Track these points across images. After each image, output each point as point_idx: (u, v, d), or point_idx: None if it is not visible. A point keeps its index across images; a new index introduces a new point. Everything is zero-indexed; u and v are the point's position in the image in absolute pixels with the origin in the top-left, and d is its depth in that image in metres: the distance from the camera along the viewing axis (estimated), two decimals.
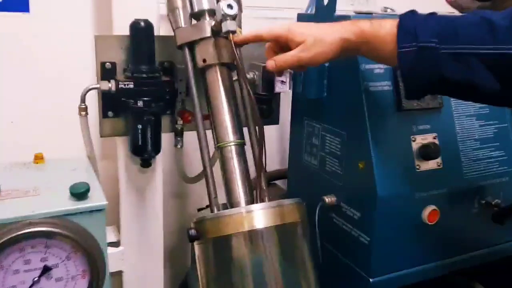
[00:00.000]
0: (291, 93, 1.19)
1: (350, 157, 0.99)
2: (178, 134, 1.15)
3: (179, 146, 1.16)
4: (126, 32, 1.03)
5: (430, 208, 0.96)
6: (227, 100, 0.96)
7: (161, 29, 1.12)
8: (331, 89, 1.02)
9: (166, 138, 1.15)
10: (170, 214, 1.44)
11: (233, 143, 0.94)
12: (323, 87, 1.03)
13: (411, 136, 0.97)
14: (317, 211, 1.02)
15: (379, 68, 0.95)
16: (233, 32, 0.89)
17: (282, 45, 0.85)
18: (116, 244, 1.22)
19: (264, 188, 0.91)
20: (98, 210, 0.84)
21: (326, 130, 1.05)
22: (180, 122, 1.13)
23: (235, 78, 1.02)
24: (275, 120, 1.27)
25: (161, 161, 1.18)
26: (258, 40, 0.88)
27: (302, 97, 1.10)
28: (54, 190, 0.88)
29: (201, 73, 0.98)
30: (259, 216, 0.81)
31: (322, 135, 1.06)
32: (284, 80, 1.15)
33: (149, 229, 1.22)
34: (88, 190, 0.84)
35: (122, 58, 1.05)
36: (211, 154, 0.96)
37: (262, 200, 0.89)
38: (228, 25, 0.89)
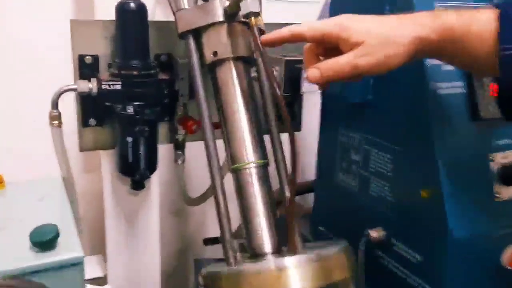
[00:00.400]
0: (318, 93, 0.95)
1: (407, 181, 0.75)
2: (179, 147, 0.92)
3: (179, 162, 0.93)
4: (112, 16, 0.79)
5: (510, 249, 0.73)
6: (245, 106, 0.73)
7: (157, 13, 0.88)
8: (380, 90, 0.78)
9: (163, 147, 0.91)
10: (166, 235, 1.21)
11: (253, 165, 0.70)
12: (369, 88, 0.79)
13: (489, 155, 0.73)
14: (361, 249, 0.79)
15: None
16: (257, 14, 0.65)
17: (329, 46, 0.61)
18: (101, 280, 0.99)
19: (297, 232, 0.67)
20: (72, 264, 0.60)
21: (371, 143, 0.81)
22: (181, 131, 0.90)
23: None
24: (296, 126, 1.04)
25: (157, 181, 0.94)
26: (297, 39, 0.63)
27: (337, 99, 0.86)
28: (12, 234, 0.64)
29: (210, 69, 0.74)
30: (296, 275, 0.58)
31: (365, 150, 0.83)
32: None
33: (142, 262, 0.99)
34: (56, 236, 0.60)
35: (106, 50, 0.83)
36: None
37: (294, 248, 0.65)
38: (249, 5, 0.65)
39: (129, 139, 0.81)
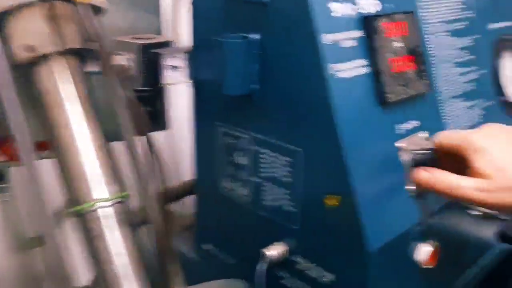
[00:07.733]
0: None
1: (309, 187, 0.61)
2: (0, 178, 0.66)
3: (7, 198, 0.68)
4: None
5: (424, 247, 0.62)
6: (85, 119, 0.51)
7: None
8: (269, 78, 0.62)
9: None
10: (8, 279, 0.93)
11: (103, 204, 0.50)
12: (253, 76, 0.62)
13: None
14: (258, 273, 0.64)
15: (347, 38, 0.57)
16: None
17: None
18: None
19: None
20: None
21: (261, 143, 0.65)
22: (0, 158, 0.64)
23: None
24: (161, 125, 0.85)
25: None
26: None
27: (213, 90, 0.68)
28: None
29: (24, 71, 0.51)
30: None
31: (255, 151, 0.66)
32: (177, 65, 0.72)
33: None
34: None
35: None
36: None
37: None
38: None
39: None
